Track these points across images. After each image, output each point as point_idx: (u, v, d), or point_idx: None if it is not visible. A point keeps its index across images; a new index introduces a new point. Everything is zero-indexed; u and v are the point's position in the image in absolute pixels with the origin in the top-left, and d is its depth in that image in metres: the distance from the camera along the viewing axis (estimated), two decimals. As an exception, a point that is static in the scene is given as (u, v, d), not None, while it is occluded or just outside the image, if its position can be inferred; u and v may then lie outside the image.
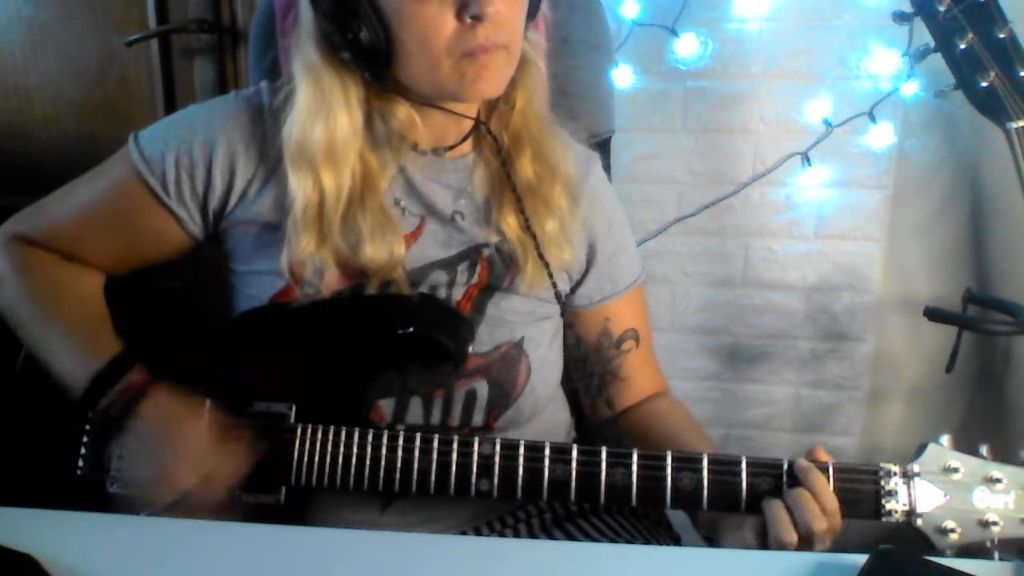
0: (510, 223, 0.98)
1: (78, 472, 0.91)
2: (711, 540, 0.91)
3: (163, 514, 0.84)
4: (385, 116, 0.94)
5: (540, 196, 0.98)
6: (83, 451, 0.91)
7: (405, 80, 0.91)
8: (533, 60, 0.98)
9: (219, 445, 0.85)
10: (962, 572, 0.70)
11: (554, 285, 0.98)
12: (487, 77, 0.88)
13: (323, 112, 0.90)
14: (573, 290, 1.07)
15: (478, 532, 1.00)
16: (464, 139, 0.99)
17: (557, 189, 0.99)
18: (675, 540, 1.05)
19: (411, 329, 0.90)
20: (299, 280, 0.93)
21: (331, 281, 0.93)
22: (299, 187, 0.91)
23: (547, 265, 0.97)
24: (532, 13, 0.94)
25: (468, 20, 0.84)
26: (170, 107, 1.86)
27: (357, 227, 0.92)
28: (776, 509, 0.81)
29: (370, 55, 0.88)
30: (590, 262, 1.06)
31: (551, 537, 1.01)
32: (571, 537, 1.01)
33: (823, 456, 0.84)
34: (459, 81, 0.87)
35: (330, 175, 0.91)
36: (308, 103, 0.91)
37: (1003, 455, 0.83)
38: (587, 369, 1.09)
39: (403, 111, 0.93)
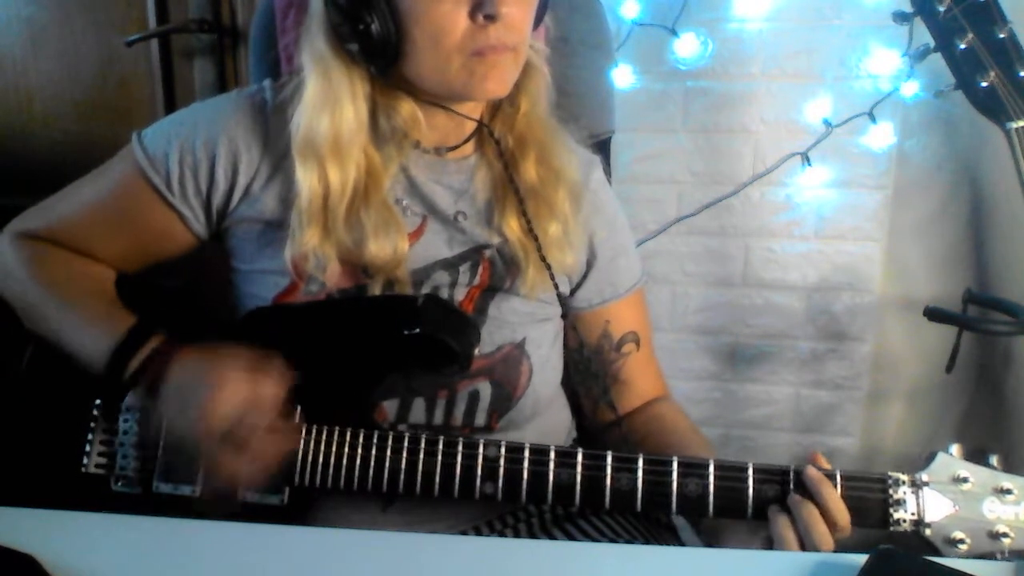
0: (512, 226, 0.98)
1: (82, 470, 0.91)
2: (713, 547, 0.91)
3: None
4: (389, 113, 0.94)
5: (543, 199, 0.99)
6: (87, 448, 0.91)
7: (412, 77, 0.91)
8: (538, 66, 0.99)
9: (255, 372, 0.84)
10: (962, 572, 0.69)
11: (556, 287, 0.98)
12: (495, 76, 0.89)
13: (330, 104, 0.91)
14: (573, 292, 1.07)
15: (478, 532, 1.00)
16: (467, 140, 1.00)
17: (561, 193, 1.00)
18: (676, 540, 1.05)
19: (417, 330, 0.89)
20: (302, 275, 0.93)
21: (333, 276, 0.93)
22: (305, 179, 0.91)
23: (549, 267, 0.97)
24: (538, 19, 0.95)
25: (481, 19, 0.85)
26: (170, 107, 1.86)
27: (361, 223, 0.92)
28: (783, 528, 0.80)
29: (379, 49, 0.88)
30: (590, 264, 1.06)
31: (551, 537, 1.01)
32: (571, 537, 1.00)
33: (825, 463, 0.84)
34: (467, 79, 0.88)
35: (335, 168, 0.91)
36: (316, 95, 0.91)
37: (1003, 456, 0.82)
38: (589, 372, 1.09)
39: (407, 108, 0.94)
